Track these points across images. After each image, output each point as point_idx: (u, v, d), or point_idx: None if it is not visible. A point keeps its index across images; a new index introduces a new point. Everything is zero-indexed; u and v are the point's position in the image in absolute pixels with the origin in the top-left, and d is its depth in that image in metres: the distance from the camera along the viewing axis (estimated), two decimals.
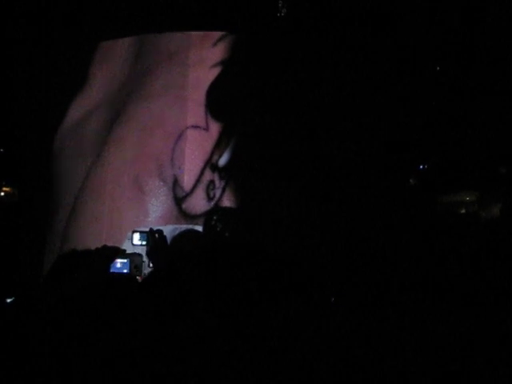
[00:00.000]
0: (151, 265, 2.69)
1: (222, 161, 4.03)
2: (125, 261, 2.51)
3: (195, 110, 4.13)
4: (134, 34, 4.45)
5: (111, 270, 2.37)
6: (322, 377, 0.83)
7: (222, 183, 4.00)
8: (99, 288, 1.86)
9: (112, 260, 2.36)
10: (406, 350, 0.98)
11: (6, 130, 4.98)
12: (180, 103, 4.16)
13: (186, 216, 3.96)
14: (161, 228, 2.77)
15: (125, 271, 2.49)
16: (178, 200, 4.00)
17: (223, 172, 4.02)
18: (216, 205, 3.94)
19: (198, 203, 3.97)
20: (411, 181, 4.74)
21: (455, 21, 4.05)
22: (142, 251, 2.74)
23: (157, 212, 3.98)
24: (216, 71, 4.17)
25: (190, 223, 3.89)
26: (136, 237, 2.82)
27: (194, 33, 4.30)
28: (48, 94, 4.42)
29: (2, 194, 5.55)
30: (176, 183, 4.02)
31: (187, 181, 4.01)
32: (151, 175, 4.06)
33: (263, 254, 1.08)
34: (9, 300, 2.39)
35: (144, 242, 2.68)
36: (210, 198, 3.96)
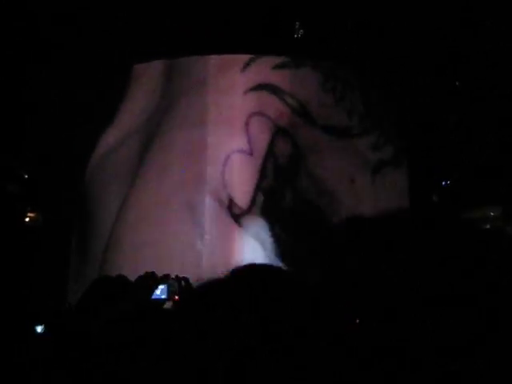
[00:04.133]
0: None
1: (270, 184, 4.36)
2: (163, 286, 2.41)
3: (236, 135, 4.40)
4: (166, 56, 4.56)
5: (152, 297, 2.35)
6: (322, 377, 0.85)
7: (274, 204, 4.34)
8: (139, 315, 1.95)
9: (154, 288, 2.33)
10: (406, 349, 1.01)
11: (32, 156, 4.94)
12: (218, 129, 4.40)
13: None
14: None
15: (163, 297, 2.41)
16: (237, 217, 4.30)
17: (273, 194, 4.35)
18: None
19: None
20: (434, 197, 4.72)
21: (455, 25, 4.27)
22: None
23: (214, 231, 4.28)
24: (248, 96, 4.44)
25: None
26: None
27: (220, 58, 4.52)
28: (81, 120, 4.44)
29: (27, 219, 5.65)
30: (232, 203, 4.31)
31: (242, 201, 4.31)
32: (204, 198, 4.30)
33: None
34: (39, 328, 2.47)
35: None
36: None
